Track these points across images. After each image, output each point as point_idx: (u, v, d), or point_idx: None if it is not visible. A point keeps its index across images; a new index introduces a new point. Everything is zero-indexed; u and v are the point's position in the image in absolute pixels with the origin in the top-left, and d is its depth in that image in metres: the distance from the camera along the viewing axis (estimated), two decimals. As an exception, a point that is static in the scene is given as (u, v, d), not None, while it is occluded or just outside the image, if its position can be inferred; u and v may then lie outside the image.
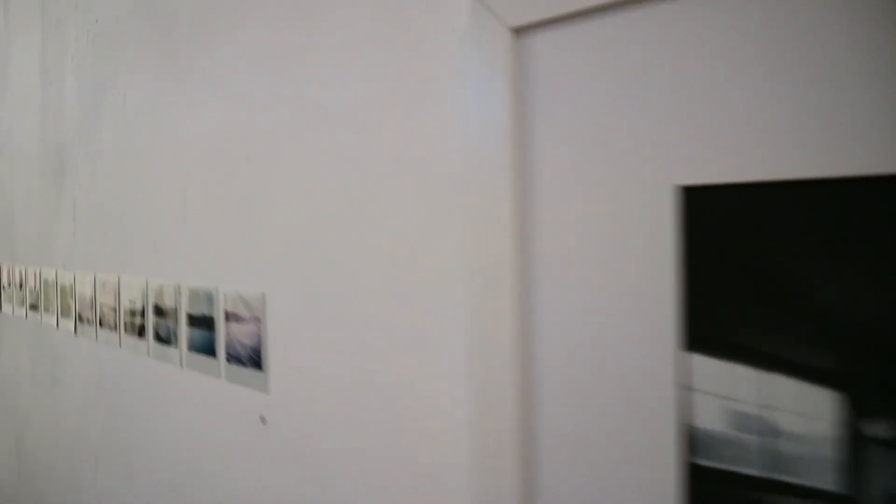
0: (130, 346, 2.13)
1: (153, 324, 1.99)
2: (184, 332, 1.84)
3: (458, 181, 1.04)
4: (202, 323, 1.76)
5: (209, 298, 1.72)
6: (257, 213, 1.56)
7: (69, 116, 2.56)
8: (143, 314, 2.04)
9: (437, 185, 1.09)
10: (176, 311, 1.87)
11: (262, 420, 1.56)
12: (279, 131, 1.49)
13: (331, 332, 1.36)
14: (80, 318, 2.48)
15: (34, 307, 2.94)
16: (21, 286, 3.10)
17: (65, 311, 2.63)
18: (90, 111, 2.39)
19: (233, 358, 1.64)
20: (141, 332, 2.06)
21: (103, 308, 2.30)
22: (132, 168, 2.11)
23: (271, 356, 1.52)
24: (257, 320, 1.55)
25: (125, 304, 2.15)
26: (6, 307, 3.29)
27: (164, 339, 1.94)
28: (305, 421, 1.44)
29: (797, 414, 0.64)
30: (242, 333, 1.60)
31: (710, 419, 0.74)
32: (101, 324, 2.32)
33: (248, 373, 1.59)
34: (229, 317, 1.65)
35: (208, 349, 1.74)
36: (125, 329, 2.16)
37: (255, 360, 1.56)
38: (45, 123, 2.81)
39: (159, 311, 1.96)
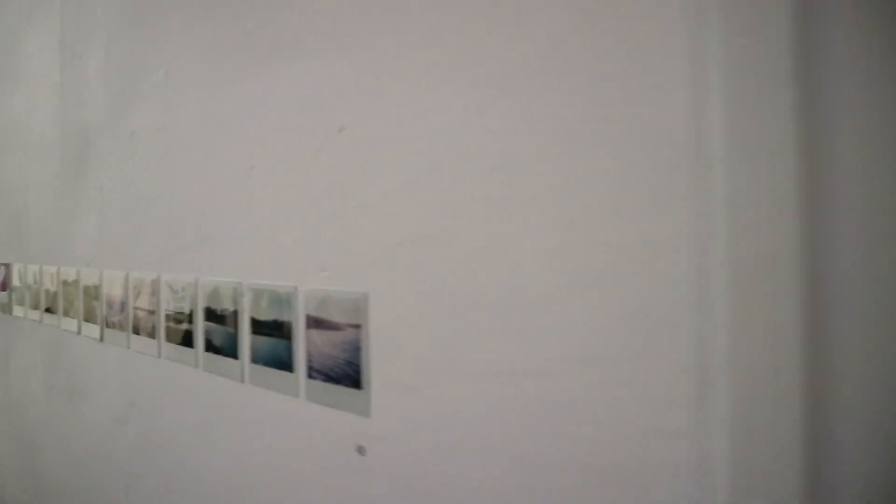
0: (173, 355, 1.83)
1: (204, 330, 1.69)
2: (246, 340, 1.54)
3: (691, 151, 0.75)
4: (273, 330, 1.46)
5: (284, 300, 1.42)
6: (357, 195, 1.27)
7: (94, 97, 2.26)
8: (190, 319, 1.74)
9: (652, 152, 0.80)
10: (236, 315, 1.57)
11: (360, 451, 1.26)
12: (388, 92, 1.20)
13: (463, 342, 1.07)
14: (109, 324, 2.17)
15: (50, 310, 2.62)
16: (35, 287, 2.79)
17: (88, 316, 2.32)
18: (121, 90, 2.09)
19: (317, 373, 1.34)
20: (187, 340, 1.75)
21: (138, 312, 1.99)
22: (177, 150, 1.81)
23: (374, 372, 1.23)
24: (356, 327, 1.25)
25: (167, 308, 1.85)
26: (18, 310, 2.98)
27: (218, 348, 1.63)
28: (420, 454, 1.15)
29: None
30: (332, 343, 1.30)
31: None
32: (134, 330, 2.01)
33: (341, 392, 1.29)
34: (313, 322, 1.35)
35: (281, 361, 1.44)
36: (167, 336, 1.85)
37: (350, 376, 1.27)
38: (64, 107, 2.51)
39: (212, 316, 1.66)
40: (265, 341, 1.49)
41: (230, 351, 1.60)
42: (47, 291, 2.67)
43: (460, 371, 1.08)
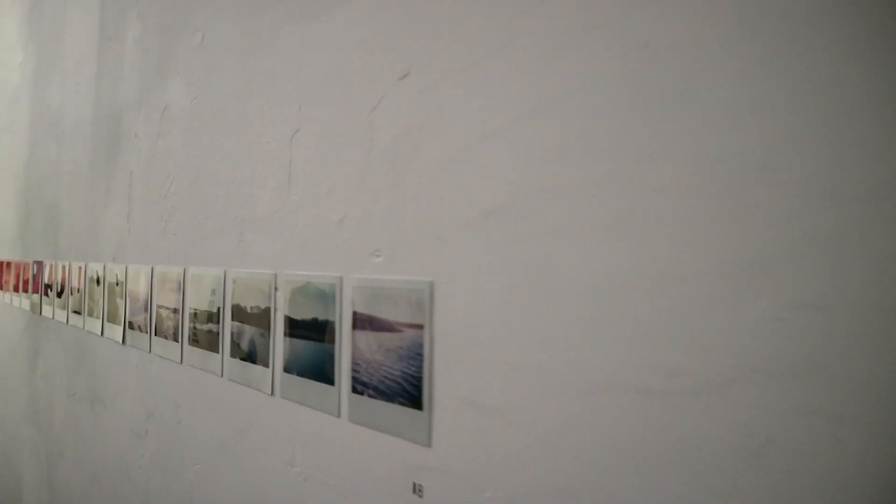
0: (196, 362, 1.57)
1: (232, 332, 1.42)
2: (279, 344, 1.26)
3: None
4: (311, 332, 1.18)
5: (326, 295, 1.14)
6: (421, 158, 0.98)
7: (129, 75, 2.07)
8: (217, 318, 1.48)
9: None
10: (269, 314, 1.29)
11: (416, 491, 0.95)
12: (461, 27, 0.92)
13: (563, 347, 0.77)
14: (131, 325, 1.94)
15: (77, 311, 2.43)
16: (62, 287, 2.61)
17: (112, 316, 2.10)
18: (155, 63, 1.89)
19: (364, 387, 1.04)
20: (212, 343, 1.49)
21: (160, 311, 1.75)
22: (210, 122, 1.57)
23: (440, 386, 0.92)
24: (417, 328, 0.96)
25: (192, 306, 1.60)
26: (46, 310, 2.81)
27: (246, 353, 1.36)
28: (498, 500, 0.83)
29: None
30: (386, 349, 1.01)
31: None
32: (156, 331, 1.77)
33: (394, 412, 0.99)
34: (362, 322, 1.06)
35: (320, 371, 1.15)
36: (190, 339, 1.60)
37: (407, 391, 0.97)
38: (99, 90, 2.33)
39: (241, 315, 1.39)
40: (302, 346, 1.21)
41: (260, 357, 1.33)
42: (74, 290, 2.48)
43: (560, 385, 0.77)
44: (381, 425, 1.02)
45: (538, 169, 0.82)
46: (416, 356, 0.96)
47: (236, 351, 1.42)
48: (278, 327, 1.29)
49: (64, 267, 2.59)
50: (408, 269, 0.99)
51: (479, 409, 0.87)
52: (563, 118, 0.80)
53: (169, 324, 1.72)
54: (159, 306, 1.78)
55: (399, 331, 1.00)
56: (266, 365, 1.31)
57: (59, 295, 2.64)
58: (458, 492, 0.90)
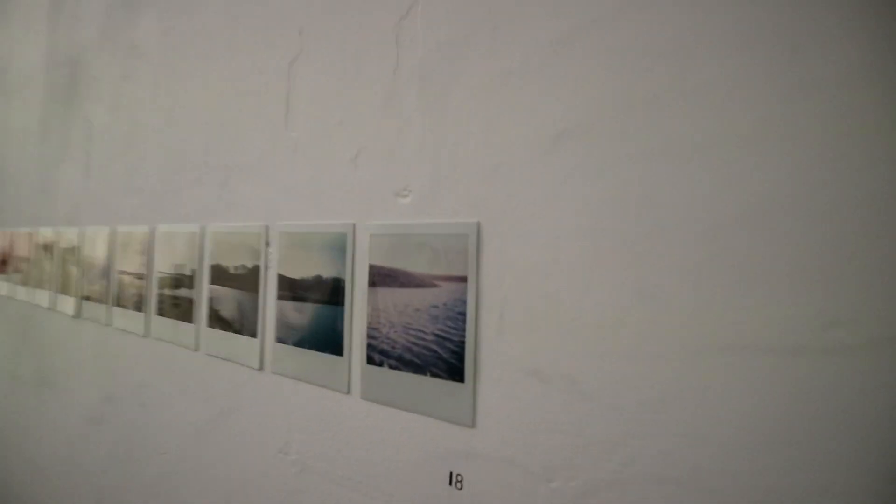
0: (165, 334, 1.34)
1: (210, 298, 1.20)
2: (270, 309, 1.06)
3: None
4: (314, 292, 0.97)
5: (334, 247, 0.94)
6: (466, 77, 0.79)
7: (89, 11, 1.80)
8: (192, 283, 1.25)
9: None
10: (257, 274, 1.08)
11: (455, 482, 0.77)
12: None
13: (651, 296, 0.59)
14: (87, 296, 1.69)
15: (26, 284, 2.15)
16: (5, 257, 2.32)
17: (64, 286, 1.84)
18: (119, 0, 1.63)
19: (384, 356, 0.85)
20: (186, 312, 1.26)
21: (123, 278, 1.51)
22: (186, 59, 1.35)
23: (489, 352, 0.74)
24: (458, 281, 0.77)
25: (161, 270, 1.37)
26: (-11, 284, 2.50)
27: (228, 322, 1.15)
28: (568, 492, 0.66)
29: None
30: (414, 308, 0.82)
31: None
32: (118, 301, 1.53)
33: (426, 386, 0.80)
34: (381, 277, 0.86)
35: (323, 339, 0.95)
36: (159, 308, 1.37)
37: (445, 360, 0.78)
38: (54, 31, 2.05)
39: (223, 278, 1.17)
40: (300, 310, 1.00)
41: (246, 326, 1.12)
42: (22, 259, 2.19)
43: (660, 346, 0.60)
44: (406, 402, 0.83)
45: (626, 77, 0.64)
46: (456, 316, 0.77)
47: (216, 320, 1.20)
48: (269, 289, 1.08)
49: (8, 235, 2.29)
50: (446, 209, 0.80)
51: (543, 379, 0.69)
52: (660, 13, 0.62)
53: (132, 291, 1.48)
54: (121, 272, 1.54)
55: (433, 286, 0.81)
56: (253, 335, 1.10)
57: (2, 267, 2.34)
58: (511, 482, 0.71)
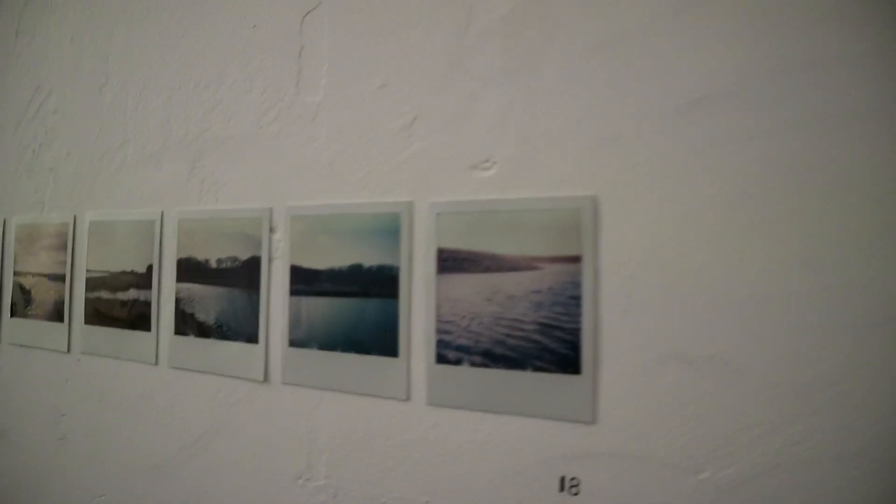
0: (103, 346, 1.07)
1: (178, 298, 0.98)
2: (278, 309, 0.88)
3: None
4: (348, 284, 0.82)
5: (378, 232, 0.81)
6: (568, 31, 0.71)
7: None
8: (145, 282, 1.01)
9: None
10: (255, 268, 0.90)
11: (569, 487, 0.68)
12: None
13: (844, 267, 0.58)
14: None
15: None
16: None
17: None
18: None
19: (464, 353, 0.74)
20: (138, 319, 1.02)
21: (23, 281, 1.19)
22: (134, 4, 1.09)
23: (614, 338, 0.67)
24: (569, 261, 0.69)
25: (95, 268, 1.09)
26: None
27: (209, 327, 0.94)
28: (730, 477, 0.62)
29: None
30: (505, 295, 0.72)
31: None
32: (16, 311, 1.20)
33: (527, 382, 0.71)
34: (454, 262, 0.75)
35: (366, 339, 0.81)
36: (89, 316, 1.09)
37: (553, 351, 0.70)
38: None
39: (198, 273, 0.96)
40: (326, 307, 0.85)
41: (238, 330, 0.92)
42: None
43: (832, 317, 0.57)
44: (498, 404, 0.73)
45: (780, 41, 0.61)
46: (568, 301, 0.69)
47: (188, 325, 0.97)
48: (276, 284, 0.89)
49: None
50: (543, 183, 0.71)
51: (686, 362, 0.64)
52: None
53: (45, 298, 1.16)
54: (22, 274, 1.21)
55: (533, 268, 0.71)
56: (251, 340, 0.91)
57: None
58: (643, 480, 0.65)
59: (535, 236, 0.71)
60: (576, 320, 0.68)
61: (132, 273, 1.05)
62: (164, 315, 1.01)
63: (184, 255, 0.99)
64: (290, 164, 0.89)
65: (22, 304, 1.20)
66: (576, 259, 0.69)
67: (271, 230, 0.90)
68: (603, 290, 0.68)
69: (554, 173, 0.71)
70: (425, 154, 0.79)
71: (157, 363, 1.01)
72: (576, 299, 0.69)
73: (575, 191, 0.70)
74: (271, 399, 0.89)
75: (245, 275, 0.92)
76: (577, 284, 0.69)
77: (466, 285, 0.75)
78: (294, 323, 0.87)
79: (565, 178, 0.70)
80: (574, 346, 0.68)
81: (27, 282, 1.19)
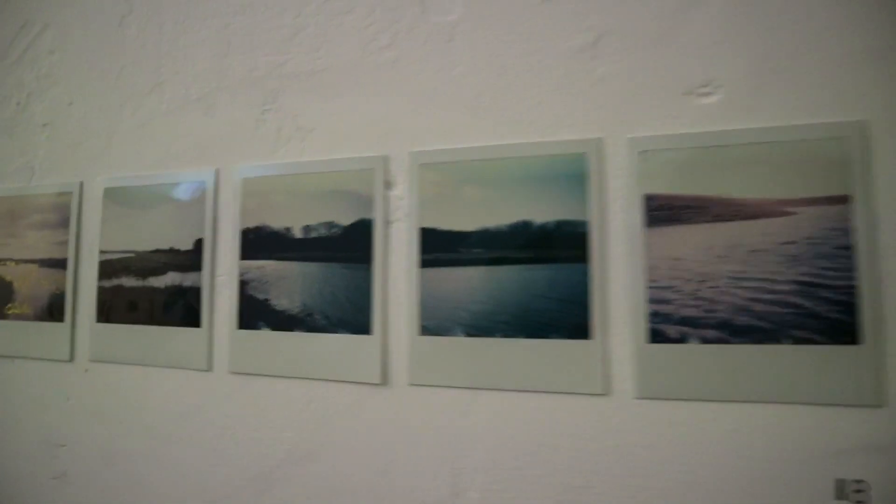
0: (124, 351, 0.82)
1: (243, 281, 0.76)
2: (402, 287, 0.69)
3: None
4: (516, 249, 0.64)
5: (561, 175, 0.63)
6: None
7: None
8: (190, 263, 0.78)
9: None
10: (364, 234, 0.70)
11: (850, 493, 0.53)
12: None
13: None
14: None
15: None
16: None
17: None
18: None
19: (691, 326, 0.58)
20: (181, 311, 0.78)
21: (7, 271, 0.91)
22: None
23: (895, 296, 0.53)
24: (832, 202, 0.56)
25: (112, 249, 0.84)
26: None
27: (295, 317, 0.73)
28: None
29: None
30: (745, 250, 0.57)
31: None
32: (4, 308, 0.92)
33: (784, 358, 0.56)
34: (673, 212, 0.59)
35: (547, 317, 0.63)
36: (104, 313, 0.84)
37: (822, 317, 0.56)
38: None
39: (277, 246, 0.74)
40: (477, 278, 0.65)
41: (339, 318, 0.71)
42: None
43: None
44: (739, 389, 0.57)
45: None
46: (836, 253, 0.55)
47: (260, 315, 0.75)
48: (397, 253, 0.69)
49: None
50: (791, 106, 0.57)
51: None
52: None
53: (36, 291, 0.89)
54: (3, 261, 0.92)
55: (783, 213, 0.56)
56: (362, 329, 0.70)
57: None
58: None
59: (782, 174, 0.56)
60: (849, 276, 0.54)
61: (170, 251, 0.80)
62: (221, 304, 0.77)
63: (251, 223, 0.76)
64: (413, 99, 0.70)
65: (0, 300, 0.91)
66: (842, 200, 0.55)
67: (387, 185, 0.70)
68: (882, 236, 0.54)
69: (802, 96, 0.57)
70: (617, 80, 0.63)
71: (210, 368, 0.77)
72: (846, 250, 0.54)
73: (836, 116, 0.56)
74: (393, 406, 0.68)
75: (348, 244, 0.71)
76: (845, 231, 0.54)
77: (689, 240, 0.58)
78: (427, 304, 0.67)
79: (821, 102, 0.56)
80: (849, 308, 0.54)
81: (6, 271, 0.91)
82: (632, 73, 0.62)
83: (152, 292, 0.81)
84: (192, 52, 0.82)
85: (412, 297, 0.68)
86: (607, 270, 0.61)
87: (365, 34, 0.73)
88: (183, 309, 0.79)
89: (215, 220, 0.79)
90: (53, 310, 0.87)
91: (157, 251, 0.81)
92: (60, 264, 0.87)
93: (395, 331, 0.69)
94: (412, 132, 0.70)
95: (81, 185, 0.88)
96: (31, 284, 0.89)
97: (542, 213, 0.64)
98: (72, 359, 0.86)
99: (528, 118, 0.66)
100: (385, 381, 0.69)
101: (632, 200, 0.61)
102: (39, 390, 0.88)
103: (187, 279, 0.79)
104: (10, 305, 0.90)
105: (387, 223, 0.70)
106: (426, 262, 0.68)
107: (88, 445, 0.84)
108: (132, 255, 0.83)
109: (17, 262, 0.90)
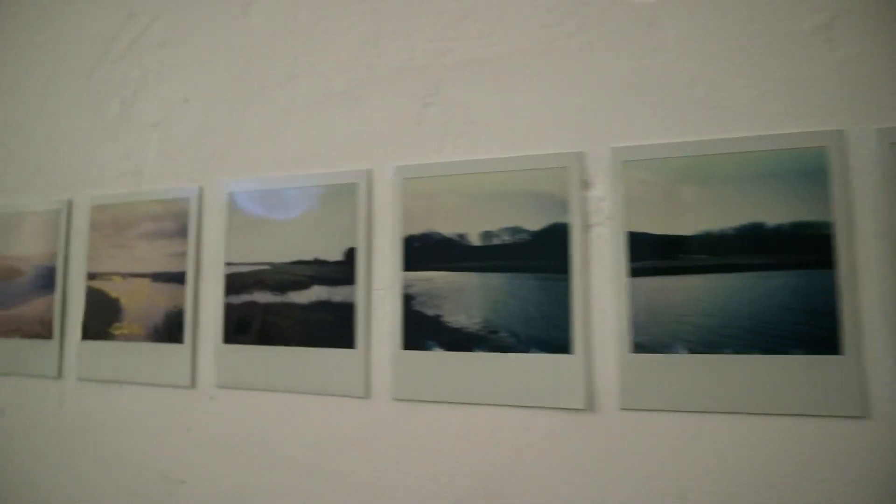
0: (257, 376, 0.73)
1: (408, 294, 0.67)
2: (608, 299, 0.61)
3: None
4: (752, 254, 0.57)
5: (803, 171, 0.56)
6: None
7: None
8: (341, 274, 0.70)
9: None
10: (559, 239, 0.62)
11: None
12: None
13: None
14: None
15: None
16: None
17: None
18: None
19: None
20: (332, 330, 0.70)
21: (109, 287, 0.82)
22: None
23: None
24: None
25: (246, 261, 0.76)
26: None
27: (474, 336, 0.64)
28: None
29: None
30: None
31: None
32: (90, 331, 0.82)
33: None
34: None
35: (793, 330, 0.55)
36: (230, 332, 0.75)
37: None
38: None
39: (450, 254, 0.66)
40: (707, 289, 0.58)
41: (530, 336, 0.63)
42: None
43: None
44: None
45: None
46: None
47: (429, 333, 0.67)
48: (599, 261, 0.62)
49: None
50: None
51: None
52: None
53: (148, 309, 0.80)
54: (102, 276, 0.83)
55: None
56: (560, 348, 0.62)
57: None
58: None
59: None
60: None
61: (315, 263, 0.72)
62: (379, 320, 0.69)
63: (416, 230, 0.68)
64: (610, 91, 0.63)
65: (101, 319, 0.82)
66: None
67: (584, 185, 0.62)
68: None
69: None
70: (858, 65, 0.56)
71: (367, 395, 0.68)
72: None
73: None
74: (601, 434, 0.60)
75: (539, 252, 0.63)
76: None
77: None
78: (640, 318, 0.59)
79: None
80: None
81: (112, 286, 0.82)
82: (875, 56, 0.55)
83: (293, 309, 0.72)
84: (333, 41, 0.75)
85: (622, 311, 0.60)
86: (857, 277, 0.54)
87: (546, 19, 0.66)
88: (333, 327, 0.70)
89: (370, 226, 0.70)
90: (171, 329, 0.78)
91: (299, 262, 0.73)
92: (177, 278, 0.78)
93: (600, 349, 0.61)
94: (611, 126, 0.63)
95: (201, 189, 0.79)
96: (142, 301, 0.80)
97: (776, 213, 0.56)
98: (193, 385, 0.77)
99: (752, 109, 0.59)
100: (590, 406, 0.61)
101: (884, 199, 0.53)
102: (156, 420, 0.78)
103: (337, 294, 0.70)
104: (116, 325, 0.81)
105: (586, 227, 0.62)
106: (636, 271, 0.60)
107: (213, 482, 0.75)
108: (267, 267, 0.74)
109: (125, 276, 0.81)
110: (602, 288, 0.61)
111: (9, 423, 0.89)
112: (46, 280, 0.87)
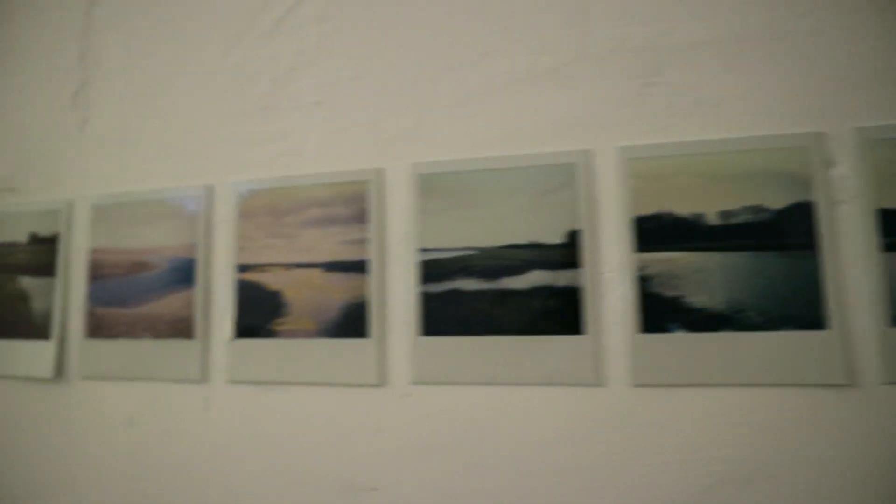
0: (463, 363, 0.68)
1: (638, 277, 0.66)
2: (861, 264, 0.62)
3: None
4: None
5: None
6: None
7: None
8: (565, 258, 0.67)
9: None
10: (802, 219, 0.64)
11: None
12: None
13: None
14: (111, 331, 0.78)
15: None
16: None
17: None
18: None
19: None
20: (552, 317, 0.67)
21: (267, 279, 0.74)
22: None
23: None
24: None
25: (443, 246, 0.71)
26: None
27: (722, 315, 0.64)
28: None
29: None
30: None
31: None
32: (270, 323, 0.74)
33: None
34: None
35: None
36: (427, 321, 0.70)
37: None
38: None
39: (688, 234, 0.66)
40: None
41: (785, 310, 0.63)
42: None
43: None
44: None
45: None
46: None
47: (669, 315, 0.65)
48: (847, 238, 0.63)
49: None
50: None
51: None
52: None
53: (318, 302, 0.72)
54: (258, 267, 0.74)
55: None
56: (814, 324, 0.62)
57: None
58: None
59: None
60: None
61: (532, 246, 0.68)
62: (610, 305, 0.66)
63: (645, 210, 0.66)
64: (849, 73, 0.64)
65: (259, 315, 0.73)
66: None
67: (827, 164, 0.64)
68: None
69: None
70: None
71: (600, 383, 0.65)
72: None
73: None
74: (860, 410, 0.60)
75: (783, 230, 0.63)
76: None
77: None
78: (896, 291, 0.61)
79: None
80: None
81: (269, 278, 0.73)
82: None
83: (509, 296, 0.68)
84: (536, 19, 0.72)
85: (877, 285, 0.61)
86: None
87: (771, 1, 0.67)
88: (558, 313, 0.66)
89: (595, 206, 0.68)
90: (352, 323, 0.70)
91: (512, 247, 0.68)
92: (356, 267, 0.71)
93: (856, 323, 0.61)
94: (850, 107, 0.64)
95: (381, 172, 0.73)
96: (311, 294, 0.72)
97: None
98: (383, 382, 0.70)
99: None
100: (851, 381, 0.61)
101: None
102: (335, 423, 0.71)
103: (560, 278, 0.67)
104: (279, 320, 0.72)
105: (831, 205, 0.63)
106: (889, 246, 0.61)
107: (409, 487, 0.68)
108: (474, 252, 0.69)
109: (287, 266, 0.73)
110: (854, 264, 0.62)
111: (141, 433, 0.76)
112: (183, 274, 0.76)
